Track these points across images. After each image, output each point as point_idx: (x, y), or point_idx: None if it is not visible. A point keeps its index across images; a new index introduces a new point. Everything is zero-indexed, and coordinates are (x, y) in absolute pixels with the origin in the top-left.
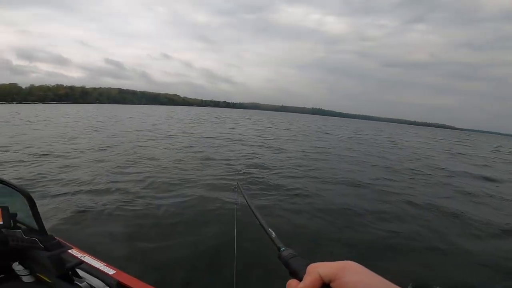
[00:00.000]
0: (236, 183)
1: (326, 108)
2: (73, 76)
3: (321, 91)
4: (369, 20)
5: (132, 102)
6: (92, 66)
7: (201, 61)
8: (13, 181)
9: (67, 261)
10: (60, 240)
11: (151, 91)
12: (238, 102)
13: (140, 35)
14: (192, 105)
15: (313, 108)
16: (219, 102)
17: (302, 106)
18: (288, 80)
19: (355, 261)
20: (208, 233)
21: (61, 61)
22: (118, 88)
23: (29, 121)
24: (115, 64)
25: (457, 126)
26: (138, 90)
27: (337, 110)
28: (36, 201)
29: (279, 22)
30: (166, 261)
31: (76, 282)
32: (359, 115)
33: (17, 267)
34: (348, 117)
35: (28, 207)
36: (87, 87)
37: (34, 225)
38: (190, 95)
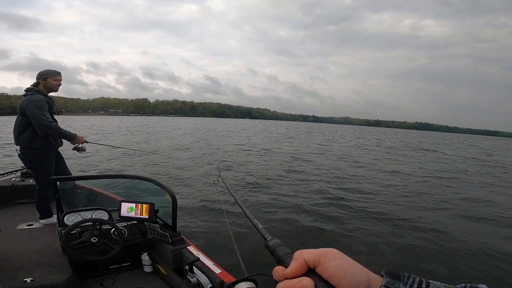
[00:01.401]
0: (218, 175)
1: (433, 122)
2: (182, 92)
3: (422, 103)
4: (482, 20)
5: (229, 116)
6: (195, 83)
7: (285, 75)
8: (163, 182)
9: (186, 257)
10: (184, 237)
11: (244, 106)
12: (327, 116)
13: (231, 52)
14: (282, 119)
15: (416, 122)
16: (307, 116)
17: (401, 120)
18: (379, 91)
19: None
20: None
21: (174, 78)
22: (218, 103)
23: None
24: (212, 80)
25: None
26: (233, 104)
27: (450, 124)
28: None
29: (365, 31)
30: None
31: (188, 277)
32: (482, 130)
33: (145, 257)
34: (467, 133)
35: (171, 206)
36: (194, 101)
37: (168, 221)
38: (278, 109)
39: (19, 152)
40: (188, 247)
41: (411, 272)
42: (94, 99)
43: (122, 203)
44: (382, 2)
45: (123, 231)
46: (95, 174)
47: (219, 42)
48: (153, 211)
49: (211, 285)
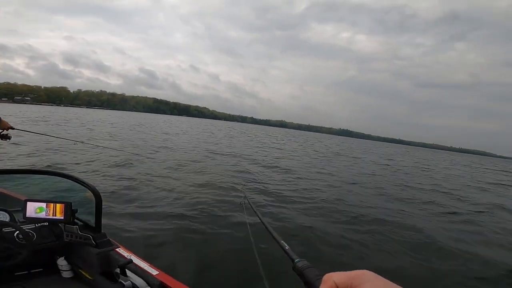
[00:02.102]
0: (243, 198)
1: (354, 130)
2: (111, 83)
3: (349, 111)
4: (403, 38)
5: (164, 112)
6: (129, 75)
7: (229, 75)
8: (85, 179)
9: (116, 260)
10: (110, 238)
11: (182, 102)
12: (265, 119)
13: (175, 47)
14: (220, 119)
15: (340, 129)
16: (246, 117)
17: (329, 126)
18: (314, 98)
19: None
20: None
21: (102, 68)
22: (153, 98)
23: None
24: (148, 73)
25: (498, 154)
26: (170, 100)
27: (366, 132)
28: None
29: (309, 40)
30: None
31: (120, 280)
32: (390, 138)
33: (61, 262)
34: (378, 140)
35: (94, 205)
36: (126, 94)
37: (91, 221)
38: (218, 108)
39: None
40: (117, 249)
41: None
42: None
43: (28, 202)
44: (329, 14)
45: (30, 234)
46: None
47: (165, 35)
48: (69, 211)
49: (148, 287)
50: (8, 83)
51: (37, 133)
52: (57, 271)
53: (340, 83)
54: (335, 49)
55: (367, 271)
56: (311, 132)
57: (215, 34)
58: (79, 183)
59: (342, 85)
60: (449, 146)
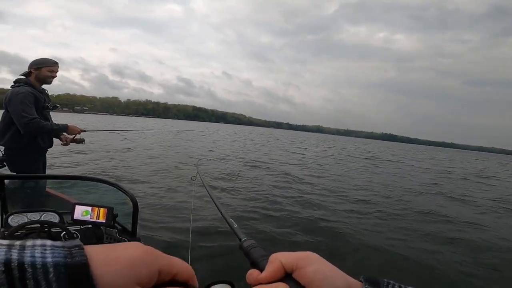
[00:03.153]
0: (196, 171)
1: (398, 134)
2: (153, 92)
3: (390, 114)
4: (447, 35)
5: (203, 119)
6: (168, 84)
7: (261, 80)
8: (125, 186)
9: None
10: (143, 243)
11: (219, 109)
12: (301, 124)
13: (209, 55)
14: (256, 125)
15: (382, 133)
16: (282, 123)
17: (369, 130)
18: (351, 101)
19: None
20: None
21: (145, 78)
22: (193, 106)
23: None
24: (185, 81)
25: None
26: (208, 108)
27: (412, 135)
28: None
29: (342, 42)
30: None
31: None
32: (439, 142)
33: None
34: (427, 144)
35: (132, 211)
36: (168, 103)
37: (128, 226)
38: (252, 114)
39: (2, 153)
40: None
41: (391, 278)
42: (58, 95)
43: (77, 206)
44: (361, 15)
45: (75, 235)
46: (50, 174)
47: (199, 44)
48: (111, 215)
49: None
50: (69, 94)
51: (110, 130)
52: None
53: (379, 84)
54: (371, 49)
55: (312, 253)
56: (351, 137)
57: (246, 41)
58: (120, 190)
59: (381, 87)
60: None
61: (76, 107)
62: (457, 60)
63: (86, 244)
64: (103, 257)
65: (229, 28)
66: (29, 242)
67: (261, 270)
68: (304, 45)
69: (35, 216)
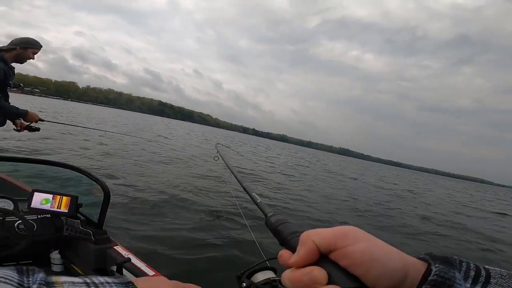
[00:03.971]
0: (216, 151)
1: (354, 150)
2: (116, 81)
3: (349, 130)
4: (411, 60)
5: (168, 116)
6: (134, 74)
7: (233, 84)
8: (96, 174)
9: (113, 258)
10: (110, 236)
11: (186, 107)
12: (266, 131)
13: (185, 52)
14: (222, 128)
15: (340, 147)
16: (248, 128)
17: (329, 144)
18: (316, 114)
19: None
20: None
21: (110, 66)
22: (159, 100)
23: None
24: (153, 74)
25: (497, 182)
26: (174, 104)
27: (366, 152)
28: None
29: (318, 56)
30: None
31: None
32: (388, 160)
33: (54, 255)
34: (376, 162)
35: (102, 200)
36: (132, 94)
37: (93, 217)
38: (219, 116)
39: None
40: (115, 247)
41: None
42: None
43: (36, 193)
44: (340, 32)
45: (32, 225)
46: (6, 155)
47: (176, 40)
48: (75, 204)
49: None
50: (20, 74)
51: (71, 125)
52: (47, 264)
53: (344, 101)
54: (342, 66)
55: (354, 227)
56: (311, 149)
57: (225, 43)
58: (89, 177)
59: (346, 103)
60: (447, 171)
61: (26, 88)
62: (415, 85)
63: (43, 234)
64: None
65: (210, 27)
66: (95, 280)
67: (294, 250)
68: (281, 55)
69: None
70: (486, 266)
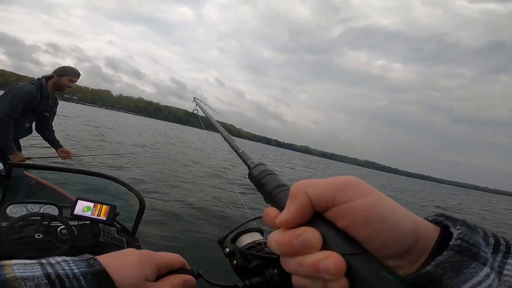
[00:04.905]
0: (195, 104)
1: (380, 162)
2: (145, 90)
3: (374, 143)
4: (441, 69)
5: (192, 125)
6: (161, 84)
7: (253, 94)
8: (132, 185)
9: None
10: (141, 244)
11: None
12: (289, 143)
13: (210, 62)
14: (245, 138)
15: (365, 160)
16: (270, 139)
17: (354, 157)
18: (339, 126)
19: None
20: None
21: (139, 75)
22: (184, 110)
23: None
24: (179, 84)
25: None
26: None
27: (393, 166)
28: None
29: (341, 66)
30: None
31: None
32: (418, 174)
33: None
34: (405, 175)
35: (136, 210)
36: (160, 103)
37: (128, 226)
38: (242, 126)
39: None
40: None
41: None
42: None
43: (79, 201)
44: (363, 41)
45: (73, 230)
46: (56, 165)
47: (200, 49)
48: (113, 213)
49: None
50: None
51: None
52: None
53: (369, 112)
54: (367, 77)
55: (356, 178)
56: (336, 161)
57: (247, 53)
58: (126, 188)
59: (371, 115)
60: (483, 186)
61: (65, 95)
62: (446, 95)
63: (81, 239)
64: (114, 264)
65: (233, 38)
66: (51, 260)
67: (281, 208)
68: (303, 65)
69: (34, 208)
70: (503, 236)
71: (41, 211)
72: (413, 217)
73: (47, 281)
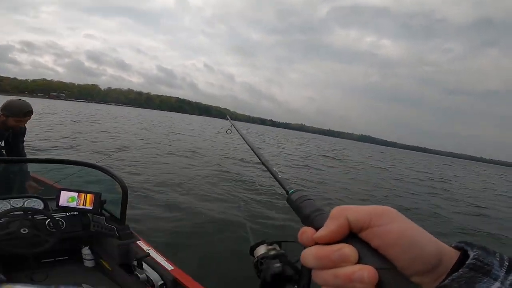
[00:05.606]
0: (229, 123)
1: (375, 136)
2: (133, 81)
3: (370, 118)
4: (431, 44)
5: (186, 112)
6: (148, 73)
7: (245, 76)
8: (114, 171)
9: (135, 252)
10: (133, 231)
11: (203, 102)
12: (284, 122)
13: (198, 49)
14: (240, 120)
15: (361, 134)
16: (265, 120)
17: (349, 132)
18: (334, 102)
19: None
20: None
21: (124, 66)
22: (176, 97)
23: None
24: (166, 72)
25: None
26: (191, 100)
27: (389, 139)
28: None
29: (332, 44)
30: None
31: (136, 273)
32: (414, 146)
33: (85, 251)
34: (402, 148)
35: (120, 197)
36: (151, 93)
37: (116, 213)
38: (236, 109)
39: None
40: (138, 242)
41: None
42: (34, 80)
43: (62, 192)
44: (352, 18)
45: (60, 223)
46: (33, 157)
47: (188, 37)
48: (98, 202)
49: (162, 281)
50: (45, 80)
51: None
52: (80, 259)
53: (362, 88)
54: (358, 53)
55: (391, 208)
56: (332, 138)
57: (236, 36)
58: (108, 175)
59: (364, 90)
60: (479, 156)
61: (52, 93)
62: (438, 69)
63: (72, 231)
64: None
65: (220, 23)
66: None
67: (316, 228)
68: (293, 45)
69: (17, 202)
70: None
71: (25, 205)
72: (437, 242)
73: None
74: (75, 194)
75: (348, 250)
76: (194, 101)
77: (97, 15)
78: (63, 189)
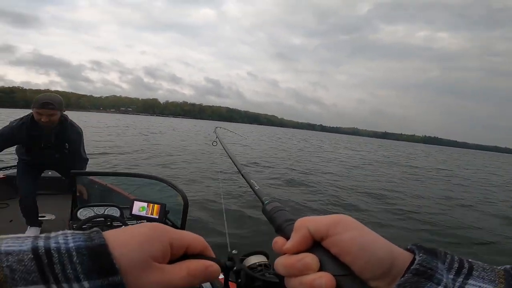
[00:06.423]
0: (215, 134)
1: (443, 137)
2: (185, 93)
3: (433, 116)
4: (496, 33)
5: (236, 120)
6: (197, 85)
7: (289, 82)
8: (175, 183)
9: None
10: None
11: (251, 111)
12: (335, 126)
13: (241, 58)
14: (289, 127)
15: (425, 136)
16: (314, 125)
17: (410, 133)
18: (387, 102)
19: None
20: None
21: (175, 79)
22: (226, 107)
23: None
24: (213, 82)
25: None
26: (240, 109)
27: (459, 139)
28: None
29: (378, 41)
30: None
31: None
32: (490, 146)
33: None
34: (475, 149)
35: (182, 207)
36: (203, 104)
37: (178, 222)
38: (283, 115)
39: None
40: None
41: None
42: (106, 97)
43: (135, 202)
44: (396, 13)
45: None
46: (110, 171)
47: (230, 46)
48: (163, 212)
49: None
50: (115, 96)
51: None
52: None
53: (419, 85)
54: (411, 49)
55: (346, 216)
56: (392, 141)
57: (277, 43)
58: (172, 187)
59: (422, 87)
60: None
61: (121, 108)
62: (507, 59)
63: None
64: (118, 238)
65: (260, 30)
66: (53, 234)
67: (288, 237)
68: (337, 46)
69: (100, 210)
70: (470, 260)
71: (105, 213)
72: (391, 247)
73: (32, 256)
74: (145, 204)
75: (309, 259)
76: (243, 110)
77: (147, 32)
78: (136, 199)
